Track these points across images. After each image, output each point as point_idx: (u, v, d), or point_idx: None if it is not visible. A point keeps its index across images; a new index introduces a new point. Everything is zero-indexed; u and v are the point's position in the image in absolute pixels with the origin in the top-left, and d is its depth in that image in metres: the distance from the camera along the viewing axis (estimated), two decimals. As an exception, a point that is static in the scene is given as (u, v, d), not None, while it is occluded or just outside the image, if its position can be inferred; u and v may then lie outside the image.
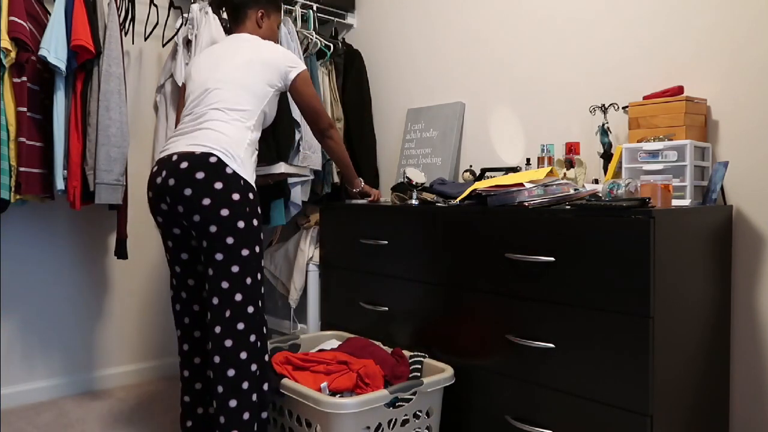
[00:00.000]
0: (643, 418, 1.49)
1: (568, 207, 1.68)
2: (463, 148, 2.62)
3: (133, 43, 2.73)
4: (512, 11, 2.42)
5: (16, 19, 2.10)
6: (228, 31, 2.40)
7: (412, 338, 2.11)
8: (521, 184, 1.79)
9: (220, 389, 1.69)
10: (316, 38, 2.75)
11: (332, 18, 3.03)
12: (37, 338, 2.58)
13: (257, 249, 1.77)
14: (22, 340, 2.54)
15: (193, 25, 2.43)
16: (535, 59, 2.34)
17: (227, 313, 1.71)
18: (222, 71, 1.85)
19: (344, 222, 2.38)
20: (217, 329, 1.70)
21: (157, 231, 2.90)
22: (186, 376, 1.89)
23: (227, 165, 1.71)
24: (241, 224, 1.71)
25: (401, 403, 1.79)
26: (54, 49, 2.14)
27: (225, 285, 1.71)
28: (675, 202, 1.74)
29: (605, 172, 1.99)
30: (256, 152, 1.87)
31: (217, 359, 1.70)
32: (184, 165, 1.69)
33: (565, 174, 2.06)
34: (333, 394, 1.82)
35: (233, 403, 1.68)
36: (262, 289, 1.80)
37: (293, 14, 2.81)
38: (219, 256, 1.70)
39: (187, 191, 1.68)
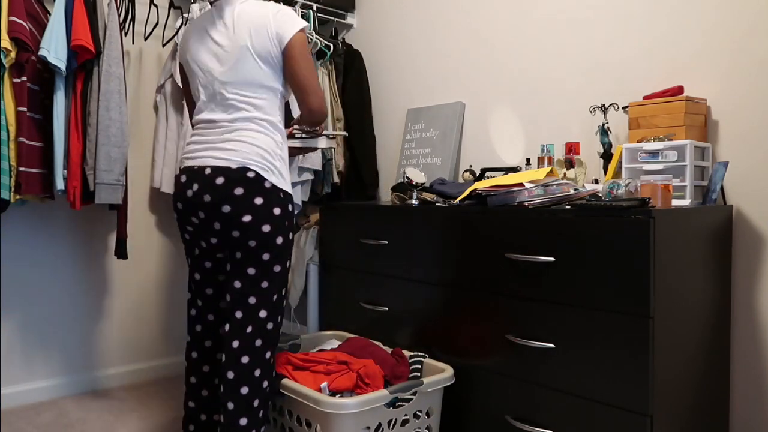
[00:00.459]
0: (643, 418, 1.49)
1: (568, 207, 1.68)
2: (463, 148, 2.62)
3: (133, 43, 2.73)
4: (512, 11, 2.42)
5: (16, 19, 2.10)
6: None
7: (412, 338, 2.11)
8: (521, 184, 1.79)
9: (230, 406, 1.66)
10: (316, 38, 2.75)
11: (332, 18, 3.03)
12: (37, 338, 2.58)
13: (288, 264, 1.75)
14: (22, 340, 2.54)
15: (193, 25, 2.43)
16: (535, 59, 2.34)
17: (249, 329, 1.68)
18: (231, 71, 1.69)
19: (344, 222, 2.38)
20: (235, 344, 1.67)
21: (158, 231, 2.90)
22: (193, 383, 1.86)
23: (266, 179, 1.66)
24: (279, 240, 1.68)
25: (401, 403, 1.79)
26: (54, 49, 2.14)
27: (252, 300, 1.68)
28: (675, 202, 1.74)
29: (605, 172, 1.99)
30: (287, 146, 1.79)
31: (231, 375, 1.66)
32: (220, 180, 1.64)
33: (565, 174, 2.06)
34: (333, 394, 1.82)
35: (243, 421, 1.66)
36: (285, 303, 1.77)
37: (293, 14, 2.81)
38: (251, 271, 1.67)
39: (226, 208, 1.63)
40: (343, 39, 3.06)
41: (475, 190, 1.91)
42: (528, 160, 2.28)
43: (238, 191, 1.63)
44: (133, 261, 2.83)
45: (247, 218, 1.63)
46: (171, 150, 2.64)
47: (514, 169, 2.28)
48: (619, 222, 1.52)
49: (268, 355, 1.72)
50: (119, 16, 2.35)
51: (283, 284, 1.74)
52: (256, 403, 1.68)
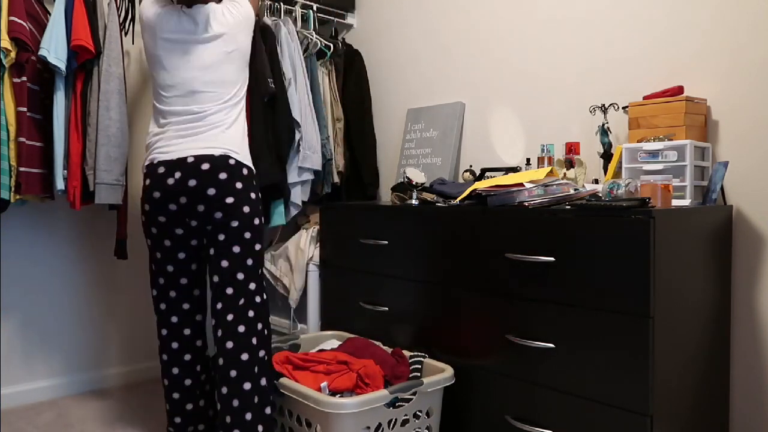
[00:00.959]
0: (643, 418, 1.49)
1: (568, 207, 1.68)
2: (463, 148, 2.62)
3: (133, 43, 2.72)
4: (512, 11, 2.42)
5: (16, 19, 2.10)
6: None
7: (412, 338, 2.11)
8: (521, 184, 1.79)
9: (233, 373, 1.76)
10: (316, 38, 2.75)
11: (332, 18, 3.03)
12: (37, 338, 2.58)
13: (263, 244, 1.91)
14: (22, 340, 2.54)
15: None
16: (535, 59, 2.34)
17: (241, 302, 1.81)
18: (202, 71, 1.86)
19: (344, 222, 2.38)
20: (230, 317, 1.80)
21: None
22: (175, 374, 1.95)
23: (244, 165, 1.86)
24: (256, 221, 1.86)
25: (401, 403, 1.79)
26: (54, 49, 2.14)
27: (240, 276, 1.82)
28: (675, 202, 1.74)
29: (605, 172, 1.99)
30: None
31: (230, 344, 1.78)
32: (205, 166, 1.79)
33: (565, 174, 2.06)
34: (333, 394, 1.82)
35: (247, 386, 1.77)
36: (264, 283, 1.91)
37: (293, 14, 2.81)
38: (236, 249, 1.82)
39: (211, 191, 1.79)
40: (343, 39, 3.06)
41: (475, 190, 1.91)
42: (528, 160, 2.28)
43: (222, 176, 1.80)
44: (133, 261, 2.83)
45: (229, 200, 1.80)
46: (171, 150, 2.64)
47: (514, 169, 2.28)
48: (619, 222, 1.52)
49: (260, 326, 1.84)
50: (119, 16, 2.35)
51: (261, 262, 1.90)
52: (255, 369, 1.80)
